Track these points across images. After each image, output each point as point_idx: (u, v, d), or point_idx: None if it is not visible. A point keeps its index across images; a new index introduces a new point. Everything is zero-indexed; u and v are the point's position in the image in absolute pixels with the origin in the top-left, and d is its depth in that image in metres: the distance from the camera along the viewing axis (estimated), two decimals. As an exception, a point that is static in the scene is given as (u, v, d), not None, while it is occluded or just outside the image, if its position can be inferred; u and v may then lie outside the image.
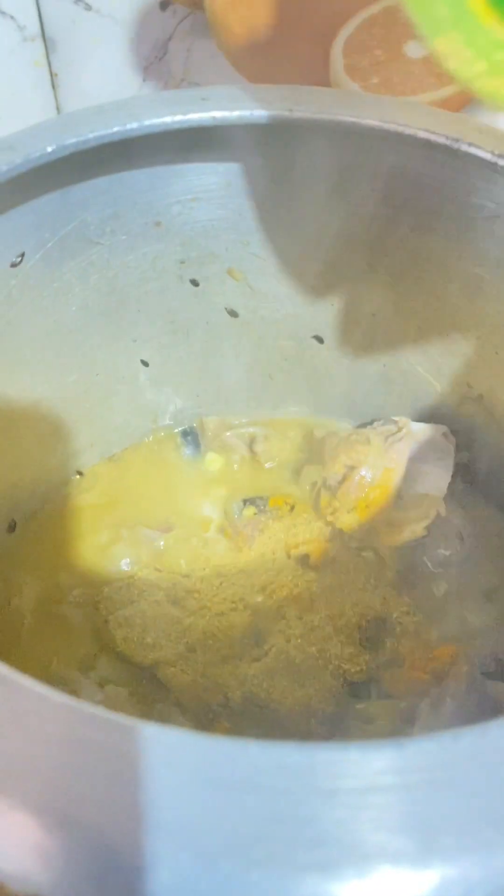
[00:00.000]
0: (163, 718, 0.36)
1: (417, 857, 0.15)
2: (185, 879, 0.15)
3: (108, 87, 0.46)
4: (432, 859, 0.15)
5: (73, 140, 0.28)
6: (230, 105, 0.30)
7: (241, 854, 0.15)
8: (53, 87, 0.45)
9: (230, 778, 0.16)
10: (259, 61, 0.42)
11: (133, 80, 0.46)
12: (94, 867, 0.15)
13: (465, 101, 0.42)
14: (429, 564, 0.39)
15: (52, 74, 0.44)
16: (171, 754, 0.16)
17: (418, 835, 0.15)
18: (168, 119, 0.30)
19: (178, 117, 0.30)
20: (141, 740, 0.16)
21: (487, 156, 0.29)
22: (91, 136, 0.29)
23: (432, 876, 0.15)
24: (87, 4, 0.41)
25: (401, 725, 0.35)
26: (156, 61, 0.44)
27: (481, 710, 0.34)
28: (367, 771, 0.16)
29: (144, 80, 0.45)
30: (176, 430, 0.46)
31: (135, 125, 0.29)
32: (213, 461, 0.43)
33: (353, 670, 0.36)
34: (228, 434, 0.45)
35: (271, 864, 0.15)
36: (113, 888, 0.15)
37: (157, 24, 0.42)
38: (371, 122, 0.29)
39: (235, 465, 0.44)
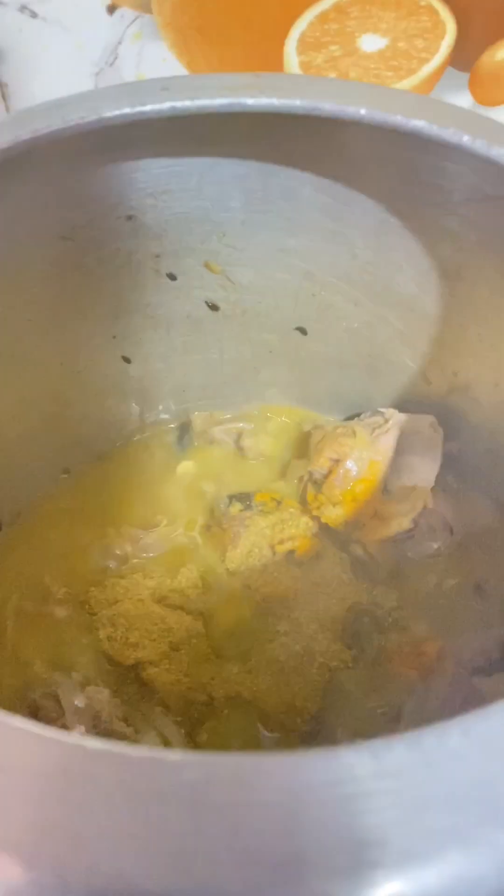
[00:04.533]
0: (146, 718, 0.35)
1: (348, 872, 0.15)
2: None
3: (60, 95, 0.45)
4: (363, 873, 0.15)
5: (28, 136, 0.28)
6: (191, 94, 0.30)
7: (160, 874, 0.15)
8: (3, 97, 0.44)
9: (155, 793, 0.15)
10: (212, 62, 0.41)
11: (85, 86, 0.45)
12: (13, 883, 0.15)
13: (424, 93, 0.41)
14: (417, 558, 0.39)
15: (1, 85, 0.44)
16: (104, 771, 0.16)
17: (349, 849, 0.15)
18: (127, 110, 0.29)
19: (137, 108, 0.29)
20: (77, 760, 0.16)
21: (456, 138, 0.28)
22: (48, 130, 0.28)
23: (364, 892, 0.15)
24: (32, 12, 0.40)
25: (386, 722, 0.34)
26: (106, 66, 0.43)
27: (468, 706, 0.33)
28: (298, 783, 0.15)
29: (97, 86, 0.45)
30: (163, 427, 0.46)
31: (93, 118, 0.29)
32: (185, 468, 0.43)
33: (338, 667, 0.36)
34: (216, 429, 0.45)
35: (189, 882, 0.14)
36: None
37: (105, 28, 0.42)
38: (333, 107, 0.28)
39: (221, 461, 0.43)
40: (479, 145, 0.28)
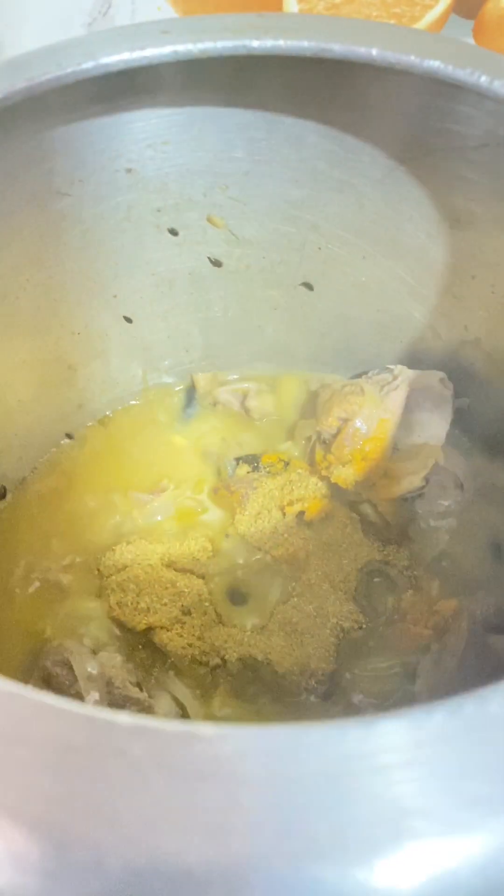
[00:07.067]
0: (160, 683, 0.35)
1: (389, 843, 0.14)
2: (138, 874, 0.14)
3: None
4: (405, 844, 0.14)
5: (24, 84, 0.26)
6: (193, 37, 0.28)
7: (199, 849, 0.14)
8: (-5, 51, 0.42)
9: (190, 768, 0.15)
10: (209, 11, 0.39)
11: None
12: (47, 862, 0.14)
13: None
14: (428, 516, 0.38)
15: (-8, 37, 0.42)
16: (137, 747, 0.15)
17: (390, 820, 0.14)
18: (127, 55, 0.28)
19: (137, 53, 0.27)
20: (108, 736, 0.15)
21: (473, 78, 0.27)
22: (44, 78, 0.27)
23: (405, 863, 0.14)
24: (21, -40, 0.38)
25: (401, 682, 0.34)
26: (100, 16, 0.41)
27: (483, 664, 0.33)
28: (336, 754, 0.15)
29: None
30: (167, 389, 0.44)
31: (90, 64, 0.27)
32: (179, 440, 0.42)
33: (352, 627, 0.36)
34: (221, 390, 0.44)
35: (230, 856, 0.14)
36: (67, 882, 0.15)
37: (98, -24, 0.40)
38: (343, 47, 0.27)
39: (226, 423, 0.42)
40: (497, 86, 0.26)
